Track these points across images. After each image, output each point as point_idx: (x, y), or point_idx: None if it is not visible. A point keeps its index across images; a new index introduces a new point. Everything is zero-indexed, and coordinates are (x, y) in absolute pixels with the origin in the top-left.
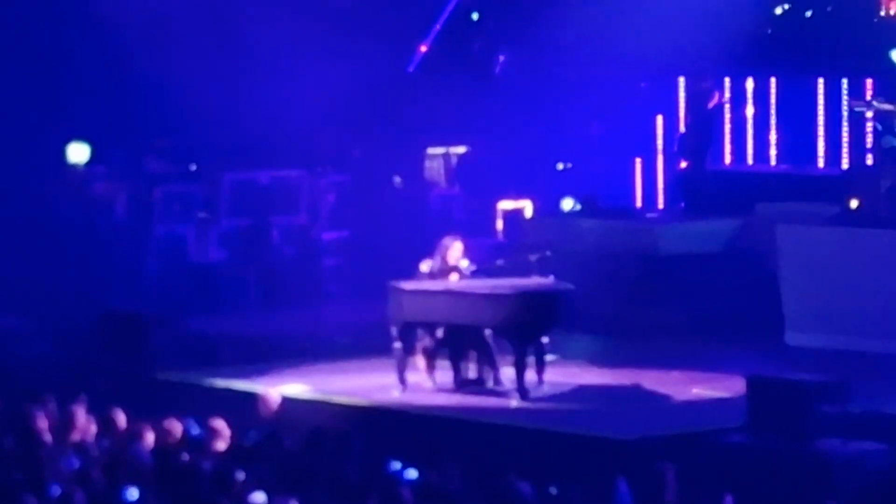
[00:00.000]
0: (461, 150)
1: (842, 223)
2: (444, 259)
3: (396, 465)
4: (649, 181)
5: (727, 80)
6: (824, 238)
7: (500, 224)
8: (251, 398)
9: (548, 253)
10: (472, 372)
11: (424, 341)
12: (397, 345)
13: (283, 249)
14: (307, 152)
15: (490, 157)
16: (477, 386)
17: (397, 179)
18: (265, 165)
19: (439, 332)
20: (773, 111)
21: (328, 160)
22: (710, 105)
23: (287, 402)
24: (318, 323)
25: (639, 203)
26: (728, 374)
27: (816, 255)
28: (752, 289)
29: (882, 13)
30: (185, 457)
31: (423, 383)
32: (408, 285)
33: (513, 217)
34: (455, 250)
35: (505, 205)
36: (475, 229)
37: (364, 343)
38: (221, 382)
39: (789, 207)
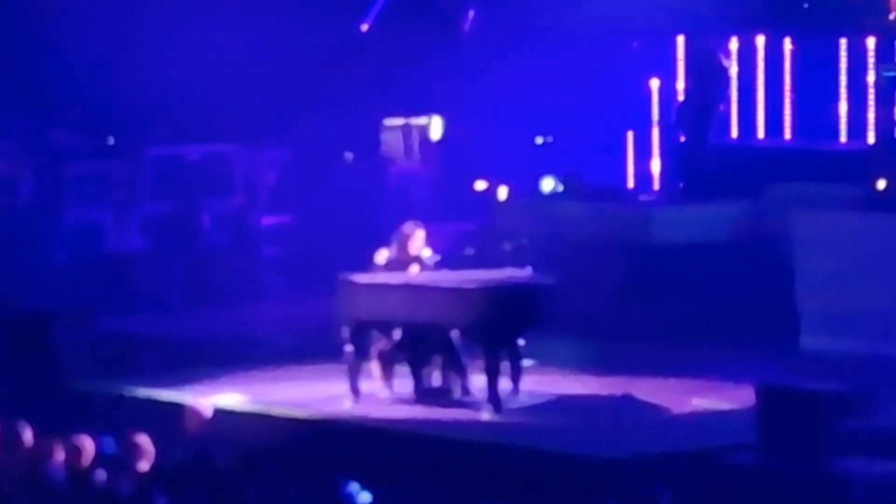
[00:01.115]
0: (423, 120)
1: (867, 207)
2: (403, 248)
3: (349, 489)
4: (642, 158)
5: (734, 40)
6: (847, 225)
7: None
8: (178, 410)
9: (524, 241)
10: (435, 380)
11: (380, 344)
12: (349, 348)
13: (216, 237)
14: (243, 124)
15: (457, 129)
16: (441, 396)
17: (349, 155)
18: (194, 139)
19: (397, 334)
20: (787, 76)
21: (267, 133)
22: (714, 69)
23: (220, 414)
24: (257, 323)
25: (630, 183)
26: (734, 383)
27: (838, 245)
28: (763, 284)
29: None
30: (101, 478)
31: (379, 393)
32: (361, 278)
33: (484, 199)
34: (416, 238)
35: (476, 185)
36: (440, 213)
37: (310, 346)
38: (143, 392)
39: (806, 189)
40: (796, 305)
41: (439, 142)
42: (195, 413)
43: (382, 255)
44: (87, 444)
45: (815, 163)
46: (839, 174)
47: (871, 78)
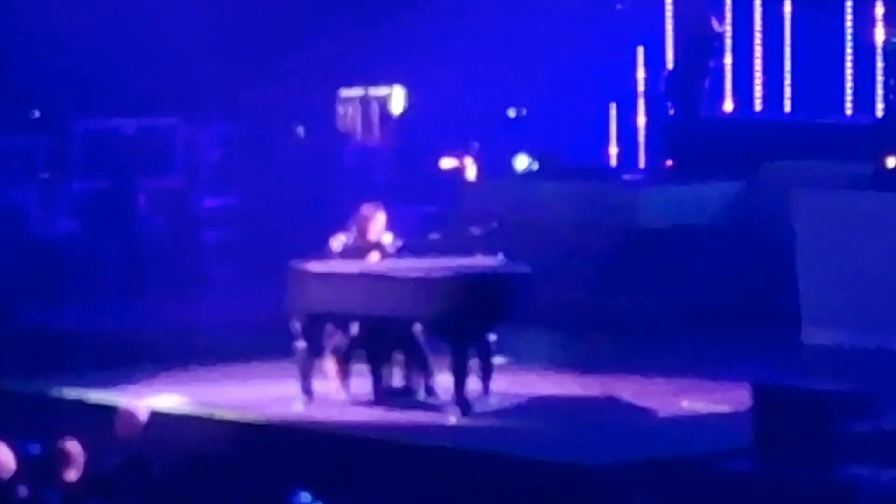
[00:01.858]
0: (383, 91)
1: (875, 187)
2: (361, 233)
3: (300, 500)
4: (627, 133)
5: (728, 2)
6: (853, 206)
7: None
8: (111, 413)
9: (495, 225)
10: (396, 379)
11: (335, 339)
12: (300, 344)
13: (153, 220)
14: (183, 95)
15: (421, 100)
16: (404, 397)
17: (300, 130)
18: (129, 111)
19: (355, 328)
20: (787, 42)
21: (210, 105)
22: (706, 34)
23: (157, 418)
24: (198, 316)
25: (613, 161)
26: (728, 382)
27: (843, 229)
28: (760, 272)
29: None
30: (24, 491)
31: (334, 394)
32: (314, 267)
33: (451, 179)
34: (376, 222)
35: (442, 163)
36: (402, 194)
37: (257, 342)
38: (73, 393)
39: (807, 167)
40: (797, 296)
41: (401, 115)
42: (130, 416)
43: (338, 241)
44: (7, 453)
45: (817, 138)
46: (844, 150)
47: (878, 45)
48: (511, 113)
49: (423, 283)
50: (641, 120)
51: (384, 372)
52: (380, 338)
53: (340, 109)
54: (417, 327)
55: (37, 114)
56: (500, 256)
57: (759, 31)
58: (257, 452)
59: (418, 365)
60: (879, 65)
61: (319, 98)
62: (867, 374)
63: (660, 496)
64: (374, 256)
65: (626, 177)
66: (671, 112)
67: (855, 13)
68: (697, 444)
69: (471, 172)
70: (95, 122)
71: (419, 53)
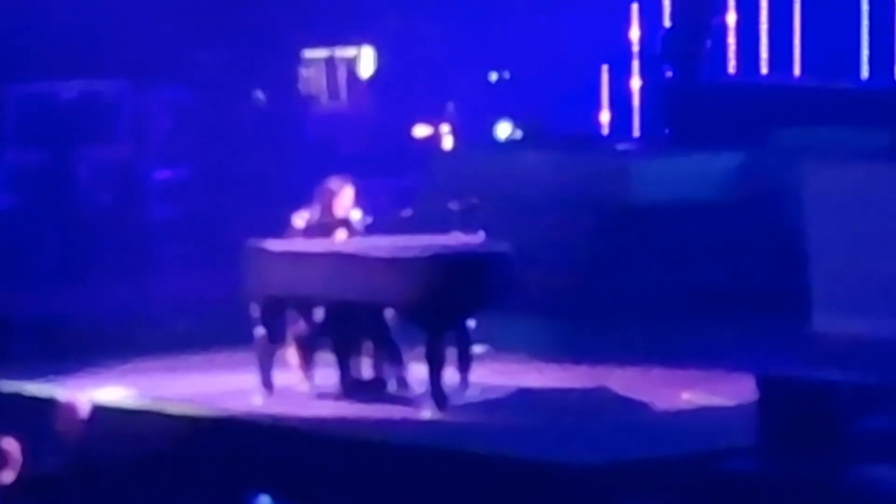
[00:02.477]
0: (351, 52)
1: (894, 157)
2: (327, 209)
3: (261, 502)
4: (620, 98)
5: None
6: (869, 179)
7: None
8: (50, 408)
9: (474, 200)
10: (366, 370)
11: (298, 326)
12: (260, 331)
13: (96, 194)
14: (130, 55)
15: (393, 62)
16: (373, 390)
17: (259, 95)
18: (69, 74)
19: (319, 314)
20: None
21: (160, 67)
22: None
23: (101, 412)
24: (147, 300)
25: (605, 129)
26: (732, 373)
27: (858, 204)
28: (767, 253)
29: None
30: None
31: (297, 386)
32: (275, 246)
33: (426, 149)
34: (343, 196)
35: (416, 132)
36: (372, 166)
37: (212, 329)
38: (8, 386)
39: (819, 136)
40: (807, 279)
41: (370, 78)
42: (71, 411)
43: (302, 218)
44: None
45: (830, 104)
46: (860, 117)
47: None
48: (492, 76)
49: (394, 264)
50: (636, 84)
51: (352, 362)
52: (347, 324)
53: (304, 72)
54: (388, 313)
55: None
56: (480, 234)
57: None
58: (211, 451)
59: (389, 354)
60: None
61: (280, 60)
62: (884, 366)
63: (656, 498)
64: (341, 234)
65: (619, 147)
66: (669, 75)
67: None
68: (697, 442)
69: (447, 142)
70: (31, 87)
71: (390, 10)
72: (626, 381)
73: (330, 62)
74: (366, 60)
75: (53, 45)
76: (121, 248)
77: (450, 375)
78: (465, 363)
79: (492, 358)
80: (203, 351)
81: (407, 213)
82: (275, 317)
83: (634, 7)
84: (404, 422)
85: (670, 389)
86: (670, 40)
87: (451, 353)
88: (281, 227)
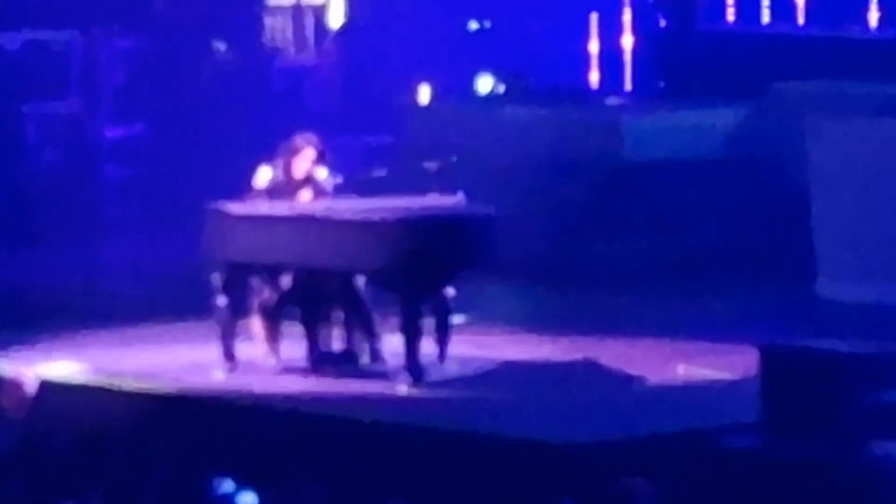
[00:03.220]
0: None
1: None
2: (292, 168)
3: (223, 486)
4: (610, 49)
5: None
6: (878, 136)
7: None
8: None
9: (453, 159)
10: (336, 342)
11: (263, 295)
12: (221, 300)
13: (44, 153)
14: (80, 3)
15: (364, 10)
16: (344, 364)
17: (220, 46)
18: (13, 24)
19: (286, 281)
20: None
21: (113, 15)
22: None
23: (49, 389)
24: (99, 268)
25: (594, 82)
26: (731, 344)
27: (866, 163)
28: (768, 214)
29: None
30: None
31: (262, 359)
32: (237, 208)
33: (400, 104)
34: (309, 155)
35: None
36: (342, 122)
37: (169, 298)
38: None
39: (824, 89)
40: (811, 242)
41: (341, 28)
42: (16, 387)
43: (265, 177)
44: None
45: (836, 55)
46: (867, 70)
47: None
48: (472, 25)
49: (366, 228)
50: (627, 34)
51: (321, 333)
52: (316, 293)
53: (268, 21)
54: (360, 280)
55: None
56: (459, 196)
57: None
58: (169, 431)
59: (361, 325)
60: None
61: (243, 8)
62: (893, 334)
63: (652, 479)
64: (305, 196)
65: (610, 101)
66: (662, 24)
67: None
68: (695, 418)
69: (424, 96)
70: None
71: None
72: (616, 354)
73: (297, 10)
74: (335, 8)
75: None
76: (70, 210)
77: (427, 347)
78: (443, 334)
79: (472, 328)
80: (159, 322)
81: (380, 172)
82: (237, 285)
83: None
84: (378, 398)
85: (664, 362)
86: None
87: (429, 323)
88: (243, 189)
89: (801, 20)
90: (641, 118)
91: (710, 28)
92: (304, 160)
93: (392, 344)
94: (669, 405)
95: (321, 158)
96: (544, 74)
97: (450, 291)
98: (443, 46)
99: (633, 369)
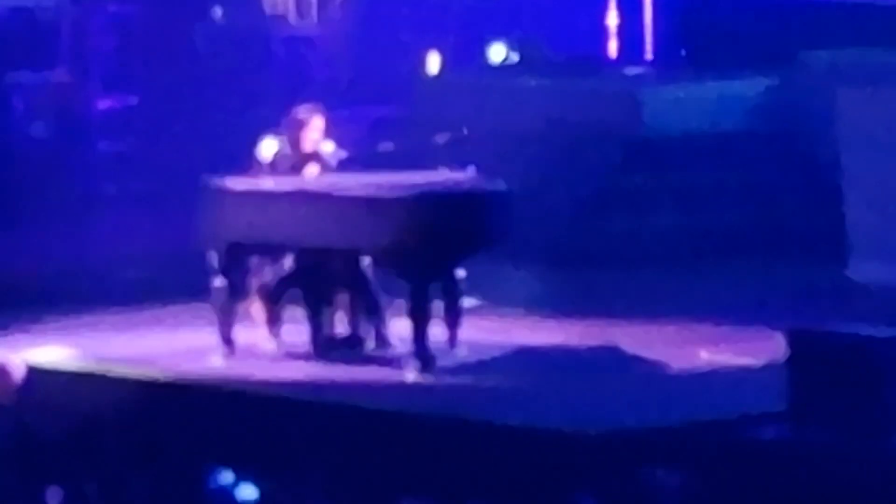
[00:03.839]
0: None
1: None
2: (295, 141)
3: (222, 478)
4: (629, 15)
5: None
6: None
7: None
8: None
9: (465, 131)
10: (340, 326)
11: (263, 276)
12: (219, 282)
13: (31, 125)
14: None
15: None
16: (349, 349)
17: (217, 11)
18: None
19: (288, 262)
20: None
21: None
22: None
23: (37, 375)
24: (89, 248)
25: (612, 51)
26: (758, 328)
27: None
28: (797, 190)
29: None
30: None
31: (262, 344)
32: (236, 184)
33: (408, 74)
34: (313, 128)
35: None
36: (347, 93)
37: (164, 280)
38: None
39: (856, 58)
40: (843, 221)
41: None
42: (3, 374)
43: (267, 150)
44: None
45: (868, 21)
46: None
47: None
48: None
49: (373, 205)
50: None
51: (324, 317)
52: (319, 274)
53: None
54: (366, 261)
55: None
56: (471, 170)
57: None
58: (165, 419)
59: (367, 308)
60: None
61: None
62: None
63: (674, 469)
64: (312, 170)
65: (629, 71)
66: None
67: None
68: (719, 406)
69: (433, 65)
70: None
71: None
72: (636, 339)
73: None
74: None
75: None
76: (59, 187)
77: (437, 332)
78: (454, 318)
79: (485, 312)
80: (154, 305)
81: (387, 146)
82: (236, 265)
83: None
84: (385, 385)
85: (686, 348)
86: None
87: (439, 306)
88: (243, 164)
89: None
90: (662, 89)
91: None
92: (314, 131)
93: (399, 328)
94: (692, 392)
95: (327, 131)
96: (560, 43)
97: (460, 273)
98: (453, 13)
99: (654, 355)
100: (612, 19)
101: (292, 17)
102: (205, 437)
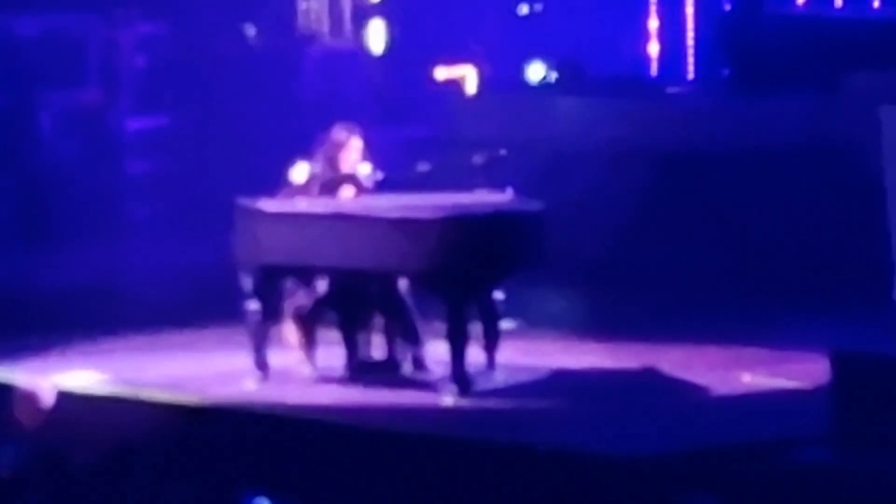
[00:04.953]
0: None
1: None
2: (331, 162)
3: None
4: (671, 33)
5: None
6: None
7: None
8: (8, 395)
9: (503, 152)
10: (376, 349)
11: (298, 299)
12: (253, 305)
13: (61, 145)
14: None
15: None
16: (385, 372)
17: (250, 29)
18: (29, 7)
19: (322, 285)
20: None
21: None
22: None
23: (68, 400)
24: (120, 269)
25: (654, 70)
26: (801, 351)
27: None
28: (840, 210)
29: None
30: None
31: (297, 368)
32: (269, 205)
33: (446, 93)
34: (350, 148)
35: (436, 73)
36: (383, 113)
37: (197, 303)
38: None
39: None
40: (887, 241)
41: (380, 10)
42: (32, 399)
43: (302, 172)
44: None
45: None
46: None
47: None
48: (523, 9)
49: (409, 226)
50: (690, 18)
51: (360, 340)
52: (355, 296)
53: (302, 4)
54: (403, 283)
55: None
56: (509, 192)
57: None
58: (198, 444)
59: (403, 331)
60: None
61: None
62: None
63: (716, 494)
64: (348, 192)
65: (671, 90)
66: (727, 8)
67: None
68: (762, 430)
69: (471, 85)
70: None
71: None
72: (677, 362)
73: None
74: None
75: None
76: (89, 207)
77: (474, 355)
78: (491, 341)
79: (522, 335)
80: (186, 328)
81: (424, 167)
82: (270, 288)
83: None
84: (421, 409)
85: (728, 370)
86: None
87: (476, 329)
88: (276, 184)
89: (875, 3)
90: (704, 108)
91: (778, 12)
92: (352, 152)
93: (436, 351)
94: (734, 416)
95: (363, 152)
96: (600, 61)
97: (498, 295)
98: (491, 32)
99: (695, 378)
100: (653, 38)
101: (326, 35)
102: (238, 462)
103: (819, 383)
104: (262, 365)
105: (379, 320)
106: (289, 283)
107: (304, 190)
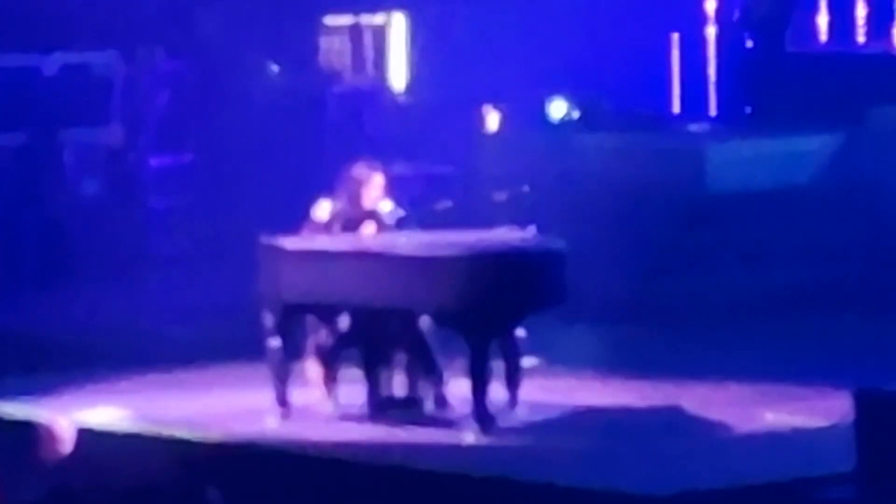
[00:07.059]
0: (380, 19)
1: None
2: (353, 200)
3: None
4: (692, 71)
5: None
6: None
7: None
8: (28, 432)
9: (525, 189)
10: (398, 387)
11: (319, 337)
12: (275, 342)
13: (83, 183)
14: (121, 23)
15: (428, 30)
16: (407, 410)
17: (273, 68)
18: (51, 45)
19: (344, 322)
20: None
21: (157, 36)
22: None
23: (89, 437)
24: (142, 307)
25: (676, 107)
26: (825, 388)
27: None
28: (865, 247)
29: None
30: None
31: (318, 405)
32: (291, 243)
33: (467, 130)
34: (372, 186)
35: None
36: (405, 150)
37: (218, 340)
38: None
39: None
40: None
41: (402, 50)
42: (52, 435)
43: (324, 210)
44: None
45: None
46: None
47: None
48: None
49: (430, 264)
50: (712, 54)
51: (382, 377)
52: (376, 334)
53: (324, 42)
54: (424, 320)
55: None
56: (531, 229)
57: None
58: (219, 482)
59: (425, 368)
60: None
61: (297, 28)
62: None
63: None
64: (369, 229)
65: (693, 128)
66: (749, 45)
67: None
68: (785, 468)
69: (492, 122)
70: (8, 59)
71: None
72: (699, 399)
73: (355, 30)
74: (397, 29)
75: (31, 12)
76: (112, 245)
77: (496, 393)
78: (513, 378)
79: (545, 372)
80: (208, 365)
81: (445, 204)
82: (292, 325)
83: None
84: (443, 447)
85: (751, 408)
86: (752, 3)
87: (498, 366)
88: (298, 222)
89: None
90: (727, 146)
91: (800, 49)
92: (374, 189)
93: (459, 389)
94: (757, 454)
95: (385, 189)
96: (622, 99)
97: (521, 332)
98: (512, 69)
99: (717, 416)
100: (675, 75)
101: (348, 73)
102: (260, 500)
103: (843, 421)
104: (283, 402)
105: (401, 358)
106: (310, 321)
107: (326, 227)
